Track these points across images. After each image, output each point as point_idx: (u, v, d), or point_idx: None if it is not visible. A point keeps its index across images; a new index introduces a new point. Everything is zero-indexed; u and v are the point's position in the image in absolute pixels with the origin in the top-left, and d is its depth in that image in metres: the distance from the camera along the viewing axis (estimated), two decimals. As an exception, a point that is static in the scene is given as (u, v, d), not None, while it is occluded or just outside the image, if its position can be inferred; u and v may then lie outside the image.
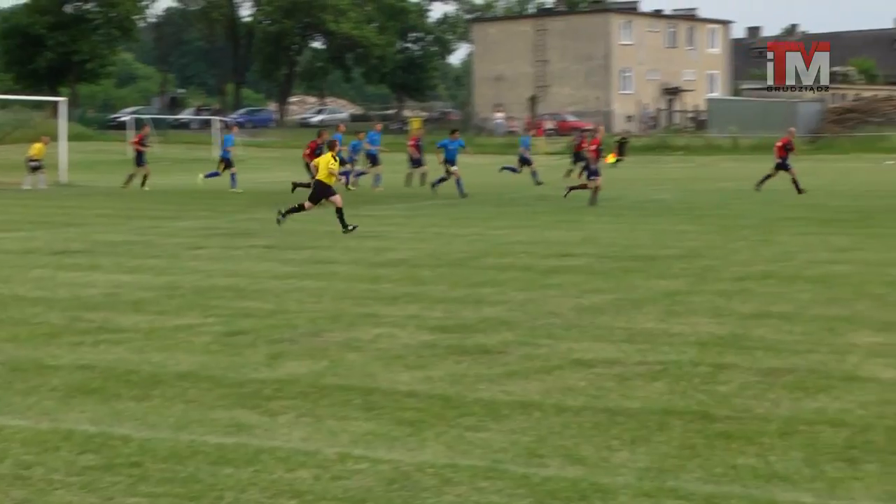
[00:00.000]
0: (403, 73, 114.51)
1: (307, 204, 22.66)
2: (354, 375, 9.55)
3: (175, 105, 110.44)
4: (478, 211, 27.95)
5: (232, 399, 8.74)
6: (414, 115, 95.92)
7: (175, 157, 63.14)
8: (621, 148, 47.46)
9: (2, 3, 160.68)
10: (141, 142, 38.86)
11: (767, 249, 18.78)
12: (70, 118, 54.27)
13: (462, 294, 14.01)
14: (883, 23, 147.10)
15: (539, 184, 38.63)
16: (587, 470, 6.93)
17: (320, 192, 22.37)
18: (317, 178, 22.54)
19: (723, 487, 6.60)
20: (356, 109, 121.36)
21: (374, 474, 6.85)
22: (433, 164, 37.07)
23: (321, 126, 52.41)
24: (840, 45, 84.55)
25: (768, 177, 34.01)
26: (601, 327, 11.67)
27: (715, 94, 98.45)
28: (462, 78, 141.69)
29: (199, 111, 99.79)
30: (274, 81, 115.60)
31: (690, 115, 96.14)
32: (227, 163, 36.95)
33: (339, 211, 22.00)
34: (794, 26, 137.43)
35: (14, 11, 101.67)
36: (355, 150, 38.30)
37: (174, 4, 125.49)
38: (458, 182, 32.89)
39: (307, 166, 30.47)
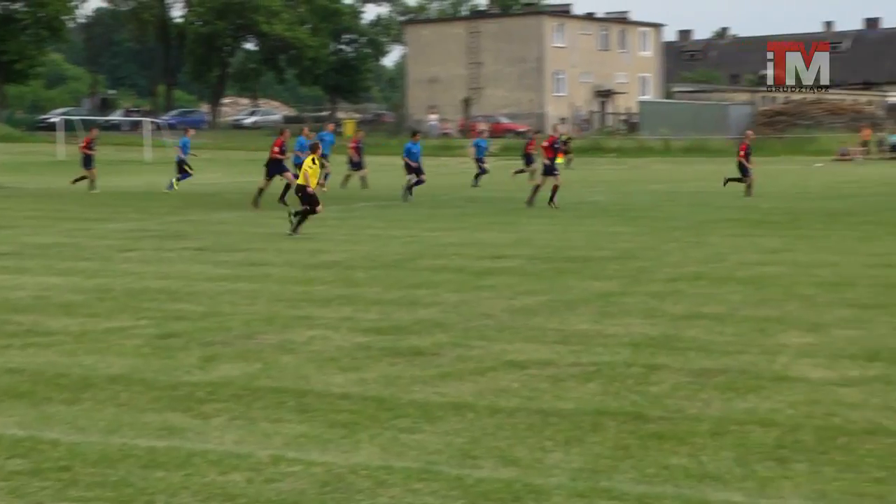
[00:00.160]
0: (337, 75, 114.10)
1: (319, 209, 22.27)
2: (288, 378, 9.51)
3: (106, 106, 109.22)
4: (413, 213, 27.94)
5: (164, 402, 8.67)
6: (348, 118, 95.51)
7: (106, 158, 62.25)
8: (566, 145, 47.78)
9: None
10: (89, 145, 38.43)
11: (699, 251, 18.95)
12: (-2, 119, 53.56)
13: (396, 296, 14.00)
14: (812, 27, 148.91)
15: (475, 186, 38.73)
16: (521, 471, 6.96)
17: (307, 197, 22.07)
18: (298, 182, 22.55)
19: (655, 487, 6.65)
20: (289, 111, 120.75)
21: (307, 477, 6.83)
22: (373, 167, 36.90)
23: (283, 125, 52.89)
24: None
25: (746, 184, 33.53)
26: (535, 329, 11.72)
27: (647, 97, 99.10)
28: (396, 80, 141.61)
29: (128, 113, 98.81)
30: (206, 83, 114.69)
31: (623, 117, 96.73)
32: (180, 165, 37.19)
33: (290, 205, 21.90)
34: (724, 30, 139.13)
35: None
36: (302, 148, 38.17)
37: (104, 5, 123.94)
38: (416, 185, 32.69)
39: (269, 164, 30.29)
